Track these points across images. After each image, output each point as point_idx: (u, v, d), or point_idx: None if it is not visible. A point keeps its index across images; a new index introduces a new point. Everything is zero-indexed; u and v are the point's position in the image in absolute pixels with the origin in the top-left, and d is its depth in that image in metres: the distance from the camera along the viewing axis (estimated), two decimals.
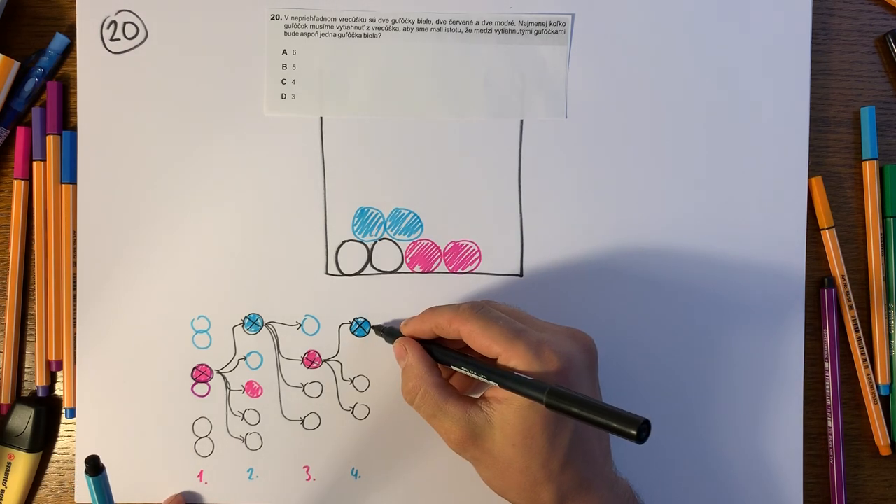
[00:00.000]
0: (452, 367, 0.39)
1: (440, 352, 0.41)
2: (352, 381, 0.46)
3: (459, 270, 0.46)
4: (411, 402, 0.40)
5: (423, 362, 0.40)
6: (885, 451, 0.47)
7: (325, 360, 0.46)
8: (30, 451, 0.45)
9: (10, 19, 0.47)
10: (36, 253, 0.46)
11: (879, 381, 0.47)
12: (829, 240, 0.47)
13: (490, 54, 0.46)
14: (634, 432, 0.30)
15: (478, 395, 0.39)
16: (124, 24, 0.46)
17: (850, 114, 0.48)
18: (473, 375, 0.37)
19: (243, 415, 0.46)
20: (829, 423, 0.47)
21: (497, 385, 0.36)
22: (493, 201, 0.46)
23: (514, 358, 0.36)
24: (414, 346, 0.41)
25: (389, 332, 0.44)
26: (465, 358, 0.39)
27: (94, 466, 0.37)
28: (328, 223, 0.46)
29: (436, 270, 0.46)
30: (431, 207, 0.46)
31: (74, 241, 0.46)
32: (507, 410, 0.36)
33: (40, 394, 0.46)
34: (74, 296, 0.46)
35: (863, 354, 0.47)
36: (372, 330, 0.46)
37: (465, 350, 0.40)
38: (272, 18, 0.46)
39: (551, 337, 0.37)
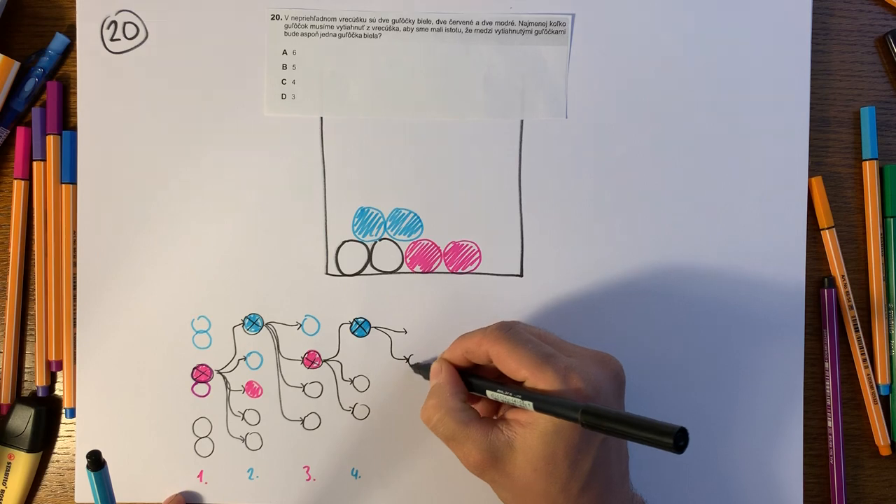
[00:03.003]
0: (487, 391, 0.39)
1: (475, 379, 0.40)
2: (352, 381, 0.46)
3: (459, 270, 0.46)
4: (428, 421, 0.39)
5: (452, 384, 0.40)
6: (885, 451, 0.47)
7: (325, 360, 0.46)
8: (30, 451, 0.45)
9: (10, 19, 0.47)
10: (36, 253, 0.46)
11: (879, 381, 0.47)
12: (829, 240, 0.47)
13: (490, 54, 0.46)
14: (670, 441, 0.30)
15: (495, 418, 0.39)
16: (124, 24, 0.46)
17: (850, 114, 0.48)
18: (508, 398, 0.37)
19: (243, 415, 0.46)
20: (829, 423, 0.47)
21: (531, 406, 0.36)
22: (493, 201, 0.46)
23: (541, 382, 0.36)
24: (449, 368, 0.40)
25: (427, 368, 0.43)
26: (498, 383, 0.39)
27: (96, 461, 0.37)
28: (328, 223, 0.46)
29: (436, 270, 0.46)
30: (431, 207, 0.46)
31: (74, 241, 0.46)
32: (531, 435, 0.36)
33: (40, 394, 0.46)
34: (74, 296, 0.46)
35: (863, 354, 0.47)
36: (410, 368, 0.46)
37: (500, 379, 0.39)
38: (272, 18, 0.46)
39: (579, 363, 0.37)
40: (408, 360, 0.46)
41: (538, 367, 0.36)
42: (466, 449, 0.37)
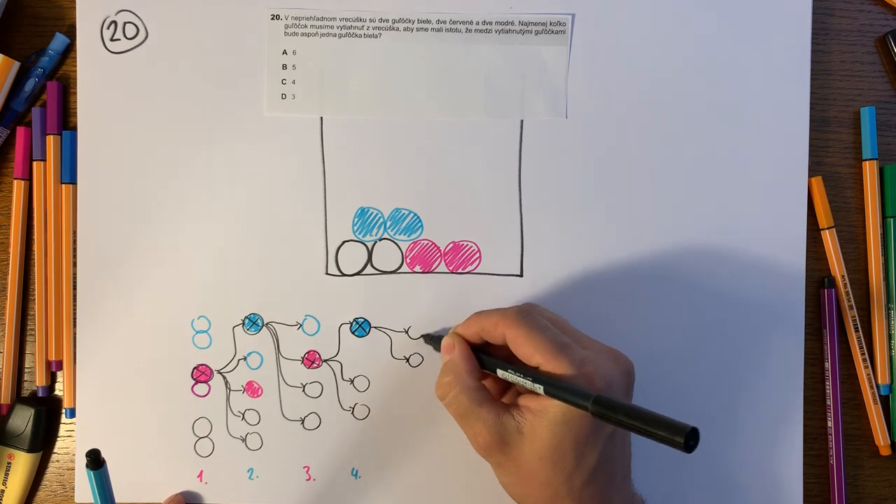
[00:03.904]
0: (498, 370, 0.39)
1: (486, 357, 0.40)
2: (352, 381, 0.46)
3: (459, 270, 0.46)
4: (443, 398, 0.40)
5: (467, 361, 0.40)
6: (885, 451, 0.47)
7: (325, 360, 0.46)
8: (30, 451, 0.45)
9: (10, 19, 0.47)
10: (36, 253, 0.46)
11: (879, 381, 0.47)
12: (829, 240, 0.47)
13: (490, 54, 0.46)
14: (682, 440, 0.30)
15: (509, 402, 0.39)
16: (124, 24, 0.46)
17: (850, 114, 0.48)
18: (519, 379, 0.37)
19: (243, 415, 0.46)
20: (829, 423, 0.47)
21: (541, 391, 0.36)
22: (493, 201, 0.46)
23: (555, 371, 0.36)
24: (462, 344, 0.41)
25: (439, 340, 0.43)
26: (509, 363, 0.39)
27: (95, 460, 0.37)
28: (328, 223, 0.46)
29: (436, 270, 0.46)
30: (431, 207, 0.46)
31: (74, 241, 0.46)
32: (539, 423, 0.36)
33: (40, 394, 0.46)
34: (74, 296, 0.46)
35: (863, 354, 0.47)
36: (421, 338, 0.46)
37: (510, 358, 0.39)
38: (272, 18, 0.46)
39: (594, 356, 0.37)
40: (407, 360, 0.46)
41: (553, 356, 0.36)
42: (477, 428, 0.38)
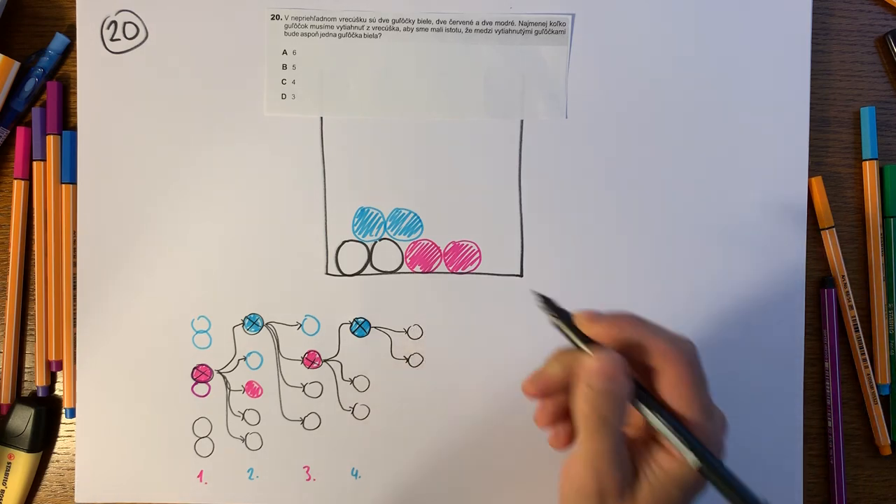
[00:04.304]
0: (649, 413, 0.33)
1: (643, 393, 0.34)
2: (352, 381, 0.46)
3: (459, 270, 0.46)
4: (594, 429, 0.33)
5: (629, 385, 0.33)
6: (885, 451, 0.47)
7: (325, 360, 0.46)
8: (30, 451, 0.45)
9: (10, 19, 0.47)
10: (36, 253, 0.46)
11: (879, 381, 0.47)
12: (829, 240, 0.47)
13: (490, 54, 0.46)
14: None
15: None
16: (124, 24, 0.46)
17: (850, 114, 0.48)
18: (674, 439, 0.33)
19: (243, 415, 0.46)
20: (829, 423, 0.47)
21: (693, 463, 0.32)
22: (493, 201, 0.46)
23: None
24: (631, 378, 0.34)
25: (561, 313, 0.36)
26: (665, 410, 0.33)
27: None
28: (328, 223, 0.46)
29: (436, 270, 0.46)
30: (431, 207, 0.46)
31: (74, 241, 0.46)
32: (659, 478, 0.33)
33: (40, 394, 0.46)
34: (74, 296, 0.46)
35: (863, 354, 0.47)
36: (538, 298, 0.37)
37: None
38: (272, 18, 0.46)
39: (720, 424, 0.35)
40: (407, 360, 0.46)
41: (700, 416, 0.33)
42: (611, 470, 0.33)
